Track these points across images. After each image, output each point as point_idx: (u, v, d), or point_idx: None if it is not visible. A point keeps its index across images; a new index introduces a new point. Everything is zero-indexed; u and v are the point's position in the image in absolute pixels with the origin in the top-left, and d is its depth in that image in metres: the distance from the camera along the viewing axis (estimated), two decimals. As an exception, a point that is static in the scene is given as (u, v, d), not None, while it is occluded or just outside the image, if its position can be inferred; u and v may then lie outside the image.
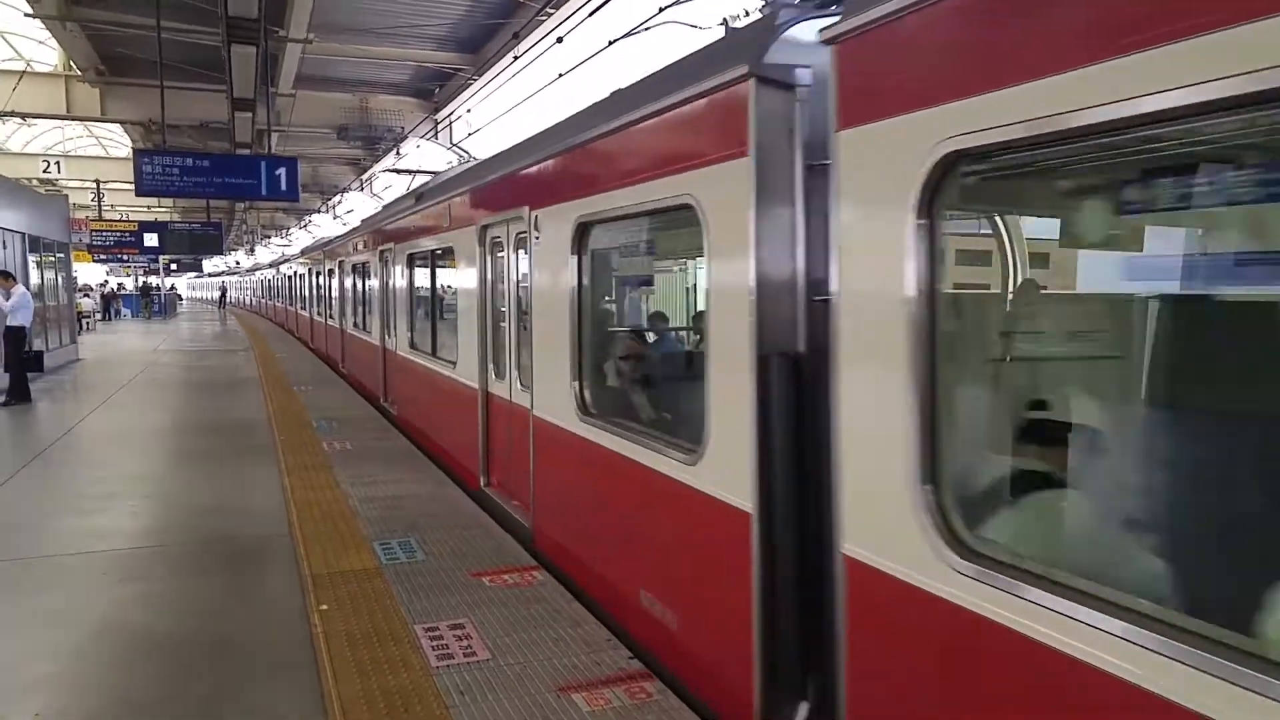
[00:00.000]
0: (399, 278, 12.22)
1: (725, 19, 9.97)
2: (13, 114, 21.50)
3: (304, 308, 27.92)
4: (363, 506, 7.92)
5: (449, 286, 9.88)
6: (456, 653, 4.91)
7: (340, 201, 33.09)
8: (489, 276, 8.17)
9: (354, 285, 17.07)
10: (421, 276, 11.39)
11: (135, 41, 17.43)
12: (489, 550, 6.70)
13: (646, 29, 10.56)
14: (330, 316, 21.07)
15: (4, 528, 7.49)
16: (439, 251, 10.13)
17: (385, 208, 15.43)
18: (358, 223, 21.08)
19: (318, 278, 23.62)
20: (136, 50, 18.00)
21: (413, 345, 11.75)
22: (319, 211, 37.48)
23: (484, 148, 19.54)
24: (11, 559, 6.65)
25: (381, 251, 13.55)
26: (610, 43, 10.80)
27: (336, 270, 19.55)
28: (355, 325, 17.23)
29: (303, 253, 29.88)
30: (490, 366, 8.23)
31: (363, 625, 5.29)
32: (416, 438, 11.01)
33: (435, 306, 10.88)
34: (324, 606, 5.58)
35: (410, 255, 11.55)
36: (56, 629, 5.37)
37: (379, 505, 7.95)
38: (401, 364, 12.36)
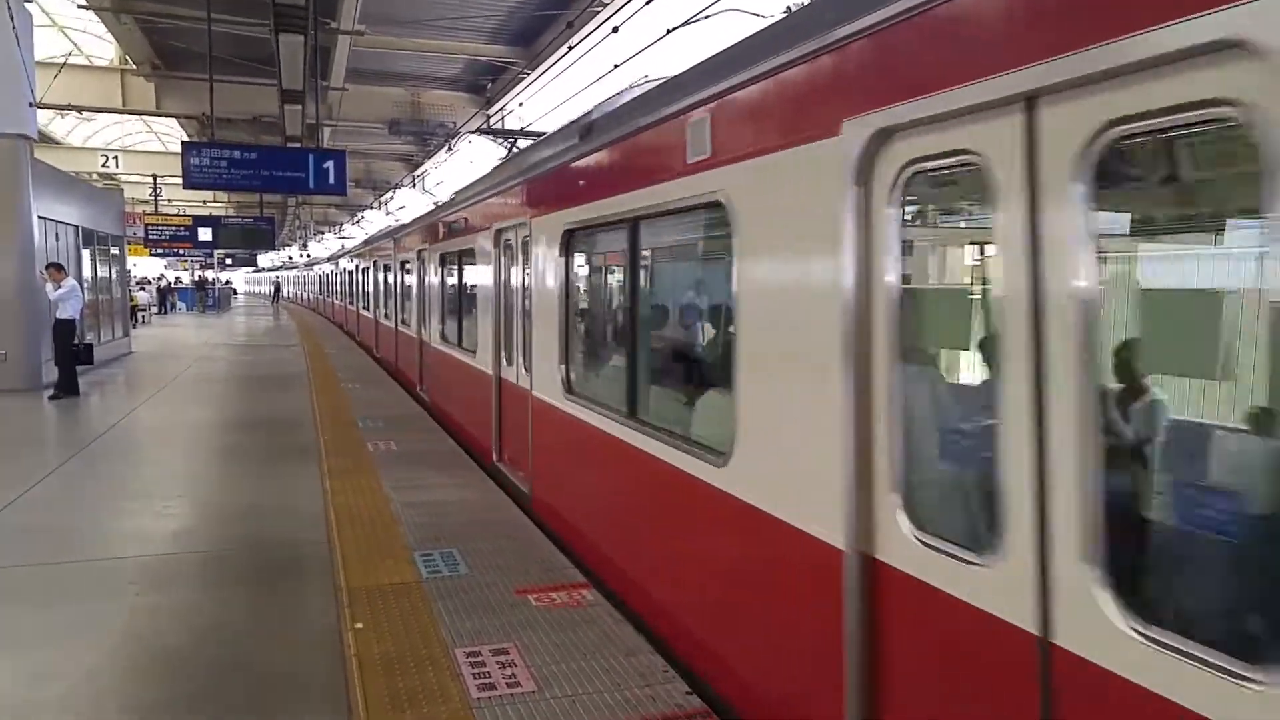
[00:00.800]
0: (432, 275, 13.63)
1: (789, 6, 9.44)
2: (69, 107, 21.61)
3: (352, 303, 29.06)
4: (405, 513, 7.55)
5: (472, 284, 10.92)
6: (499, 682, 4.48)
7: (392, 197, 33.06)
8: (502, 274, 9.18)
9: (394, 281, 18.52)
10: (450, 274, 12.53)
11: (188, 34, 17.34)
12: (535, 565, 6.27)
13: (706, 17, 10.10)
14: (375, 310, 22.58)
15: (32, 530, 7.25)
16: (464, 252, 11.15)
17: (424, 214, 17.61)
18: (399, 223, 23.51)
19: (364, 274, 25.03)
20: (190, 43, 17.93)
21: (443, 337, 12.86)
22: (371, 207, 37.55)
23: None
24: (36, 563, 6.38)
25: (419, 251, 14.88)
26: (669, 31, 10.33)
27: (377, 267, 21.65)
28: (390, 317, 18.93)
29: (348, 251, 29.99)
30: (502, 354, 9.20)
31: (399, 647, 4.88)
32: (444, 420, 12.20)
33: (461, 302, 11.92)
34: (359, 625, 5.19)
35: (442, 255, 12.73)
36: (70, 646, 5.04)
37: (422, 512, 7.57)
38: (434, 354, 13.57)
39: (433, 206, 17.84)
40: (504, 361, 9.12)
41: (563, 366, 6.98)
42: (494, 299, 9.30)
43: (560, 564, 6.33)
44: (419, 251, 14.79)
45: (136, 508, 7.80)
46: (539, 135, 12.47)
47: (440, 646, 4.90)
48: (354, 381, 16.53)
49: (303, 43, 12.42)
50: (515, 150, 13.89)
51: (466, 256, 10.99)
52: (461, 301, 11.78)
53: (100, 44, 25.91)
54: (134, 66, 20.86)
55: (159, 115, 24.30)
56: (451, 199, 13.19)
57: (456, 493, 8.26)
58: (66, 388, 14.23)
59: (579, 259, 7.19)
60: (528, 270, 8.03)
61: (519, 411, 8.32)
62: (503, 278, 9.13)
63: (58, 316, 14.36)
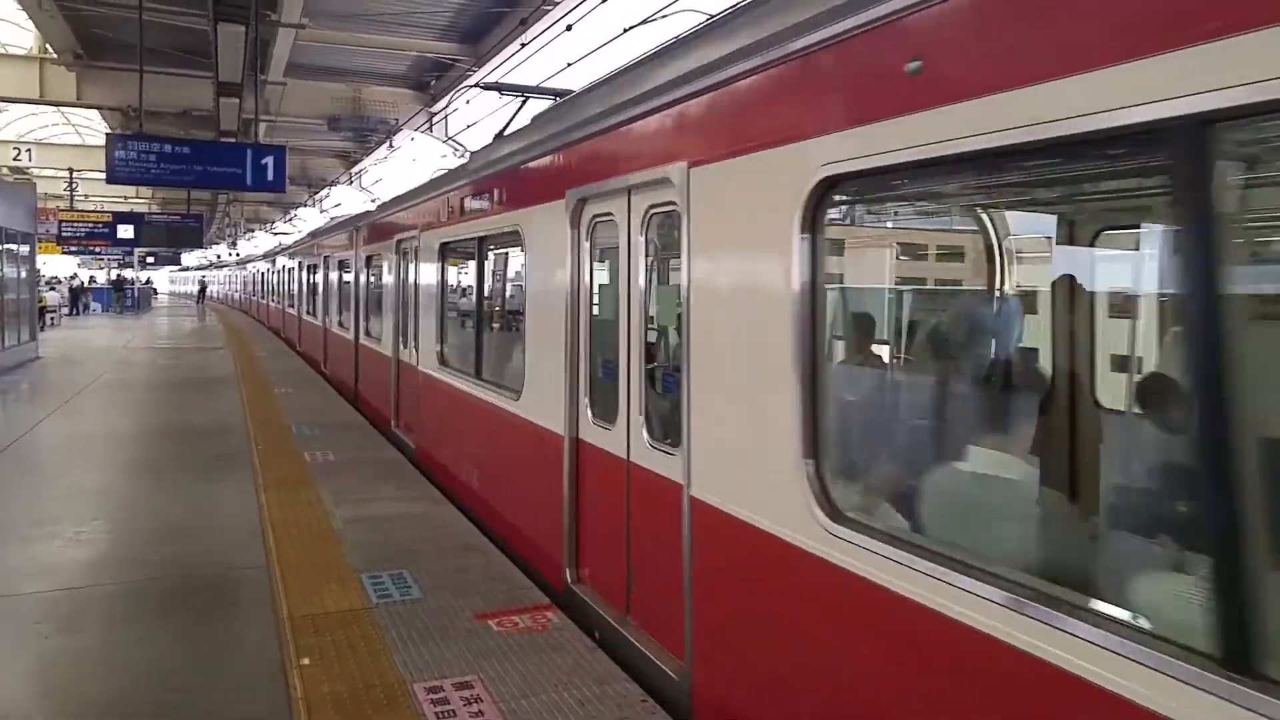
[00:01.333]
0: (353, 275, 15.30)
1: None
2: (-19, 96, 20.48)
3: (277, 302, 30.06)
4: (348, 529, 7.07)
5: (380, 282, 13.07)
6: (465, 722, 4.09)
7: (328, 195, 32.13)
8: (399, 275, 11.32)
9: (318, 280, 20.17)
10: (370, 274, 14.10)
11: (115, 23, 16.49)
12: (495, 586, 5.87)
13: (664, 16, 9.81)
14: (300, 308, 23.91)
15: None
16: (374, 256, 13.17)
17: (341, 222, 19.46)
18: (316, 230, 25.61)
19: (289, 274, 26.03)
20: (116, 32, 17.05)
21: (342, 325, 16.00)
22: (305, 205, 36.50)
23: (481, 142, 18.79)
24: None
25: (337, 255, 16.95)
26: (626, 30, 10.02)
27: (302, 268, 23.02)
28: (313, 313, 20.88)
29: (280, 250, 29.32)
30: (399, 339, 11.35)
31: (352, 685, 4.45)
32: (366, 406, 13.57)
33: (376, 298, 13.42)
34: (305, 661, 4.73)
35: (367, 257, 14.16)
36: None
37: (368, 528, 7.10)
38: (338, 340, 16.41)
39: (361, 211, 17.81)
40: (400, 345, 11.25)
41: (438, 344, 9.44)
42: (395, 294, 11.54)
43: (520, 583, 5.94)
44: (336, 256, 16.68)
45: (42, 534, 7.06)
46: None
47: (397, 681, 4.49)
48: (287, 386, 15.83)
49: (243, 33, 11.80)
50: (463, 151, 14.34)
51: (377, 259, 13.02)
52: (377, 298, 13.38)
53: (18, 32, 24.69)
54: (54, 55, 19.79)
55: (80, 106, 23.14)
56: (369, 212, 15.41)
57: (402, 505, 7.81)
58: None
59: (449, 265, 9.73)
60: (416, 272, 10.40)
61: (410, 383, 10.58)
62: (401, 278, 11.31)
63: None
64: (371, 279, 13.47)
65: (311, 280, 20.83)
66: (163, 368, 19.58)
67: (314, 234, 22.62)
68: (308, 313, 21.69)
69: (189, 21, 14.77)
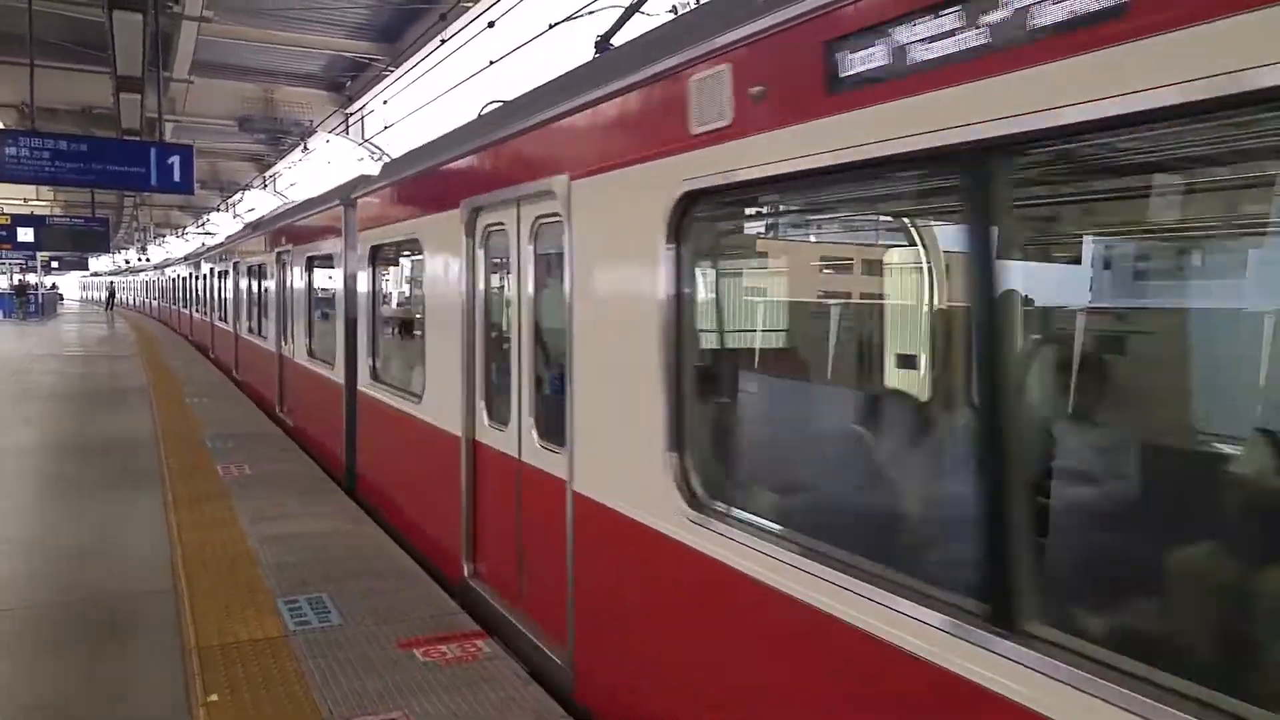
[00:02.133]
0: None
1: (674, 5, 9.06)
2: None
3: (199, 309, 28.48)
4: (265, 549, 6.69)
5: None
6: (389, 766, 3.82)
7: (241, 199, 31.10)
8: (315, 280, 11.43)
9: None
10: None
11: (6, 14, 15.59)
12: (419, 611, 5.57)
13: (591, 13, 9.58)
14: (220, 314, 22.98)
15: None
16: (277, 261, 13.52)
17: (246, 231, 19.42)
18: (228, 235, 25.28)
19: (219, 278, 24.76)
20: (8, 24, 16.12)
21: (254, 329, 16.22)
22: (218, 209, 35.30)
23: (400, 144, 18.36)
24: None
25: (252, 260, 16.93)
26: (551, 26, 9.77)
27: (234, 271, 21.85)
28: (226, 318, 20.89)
29: (199, 253, 28.56)
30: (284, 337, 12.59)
31: (265, 724, 4.13)
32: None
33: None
34: (213, 697, 4.40)
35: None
36: None
37: (286, 548, 6.73)
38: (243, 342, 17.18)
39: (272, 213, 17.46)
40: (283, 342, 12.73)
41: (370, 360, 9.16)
42: (299, 298, 12.00)
43: (448, 609, 5.65)
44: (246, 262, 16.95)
45: (-68, 555, 6.59)
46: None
47: (315, 719, 4.17)
48: (200, 396, 15.17)
49: (141, 23, 11.18)
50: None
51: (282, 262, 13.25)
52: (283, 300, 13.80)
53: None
54: (-58, 48, 18.69)
55: (-28, 102, 21.93)
56: (280, 214, 15.54)
57: (322, 523, 7.44)
58: None
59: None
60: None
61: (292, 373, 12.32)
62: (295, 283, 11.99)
63: None
64: (280, 282, 13.54)
65: (215, 286, 21.60)
66: (69, 376, 18.62)
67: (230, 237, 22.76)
68: (211, 315, 22.71)
69: (84, 12, 14.02)
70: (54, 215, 33.58)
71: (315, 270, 11.06)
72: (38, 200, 41.79)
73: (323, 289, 11.05)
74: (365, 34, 17.50)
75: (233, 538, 6.98)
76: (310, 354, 10.76)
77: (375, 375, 8.51)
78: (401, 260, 9.70)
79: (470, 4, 12.71)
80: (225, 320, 19.41)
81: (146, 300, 53.59)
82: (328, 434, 9.86)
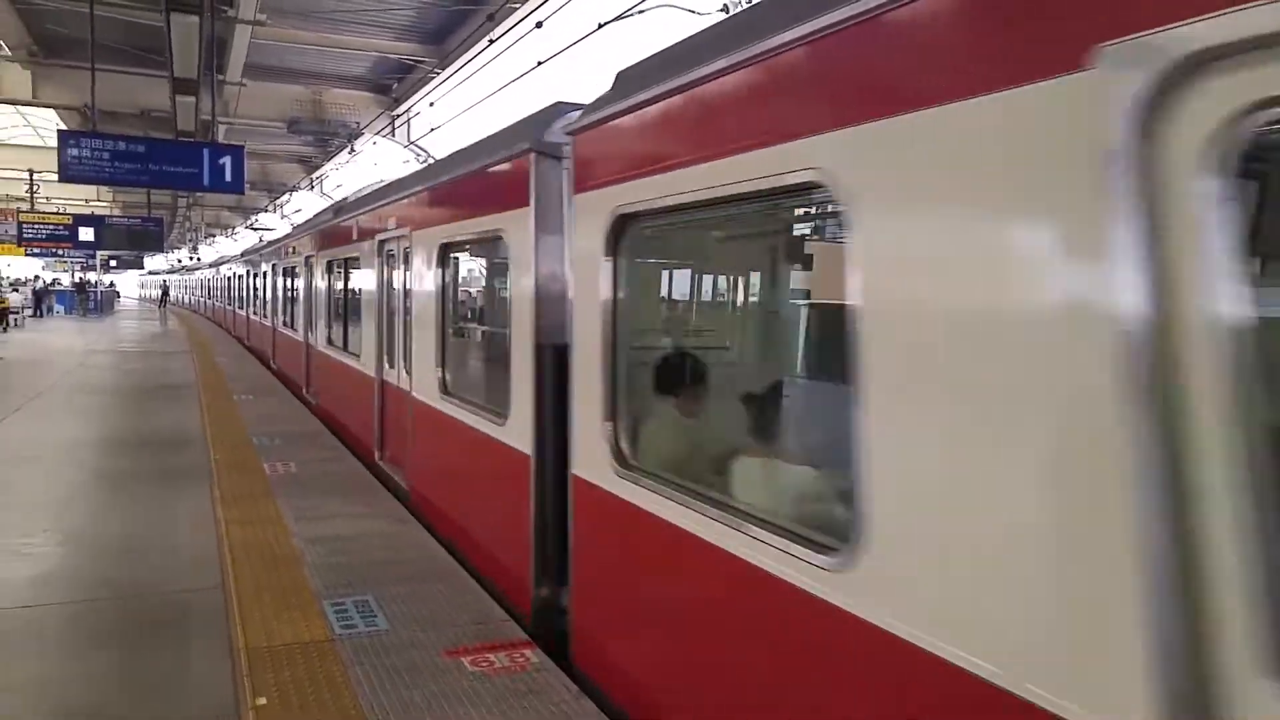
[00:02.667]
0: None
1: (725, 4, 8.95)
2: (-70, 93, 19.74)
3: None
4: (310, 549, 6.68)
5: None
6: (435, 778, 3.76)
7: (289, 200, 31.51)
8: (385, 279, 9.89)
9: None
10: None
11: (70, 19, 15.91)
12: (466, 617, 5.51)
13: (640, 11, 9.51)
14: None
15: None
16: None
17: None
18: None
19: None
20: (72, 28, 16.47)
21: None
22: (266, 210, 35.81)
23: (446, 145, 18.40)
24: None
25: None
26: (600, 25, 9.70)
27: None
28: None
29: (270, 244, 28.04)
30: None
31: (312, 731, 4.09)
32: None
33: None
34: (262, 700, 4.36)
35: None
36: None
37: (330, 548, 6.72)
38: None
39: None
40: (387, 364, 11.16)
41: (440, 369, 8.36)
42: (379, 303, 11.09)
43: (495, 616, 5.58)
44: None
45: (-12, 546, 6.68)
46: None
47: (362, 728, 4.13)
48: (248, 393, 15.34)
49: (197, 25, 11.33)
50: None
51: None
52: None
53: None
54: (9, 52, 19.12)
55: (35, 105, 22.43)
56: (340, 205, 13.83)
57: (366, 523, 7.42)
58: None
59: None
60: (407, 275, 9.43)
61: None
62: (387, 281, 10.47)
63: None
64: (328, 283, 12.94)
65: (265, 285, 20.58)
66: (123, 372, 18.98)
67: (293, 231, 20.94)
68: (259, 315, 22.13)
69: (143, 17, 14.25)
70: (113, 215, 34.33)
71: (454, 263, 7.90)
72: (98, 201, 42.82)
73: (477, 292, 9.00)
74: (412, 35, 17.60)
75: (279, 536, 6.99)
76: (446, 392, 7.57)
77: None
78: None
79: (517, 4, 12.69)
80: (290, 327, 16.94)
81: (201, 300, 52.11)
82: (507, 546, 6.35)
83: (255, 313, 23.89)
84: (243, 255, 29.61)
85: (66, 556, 6.57)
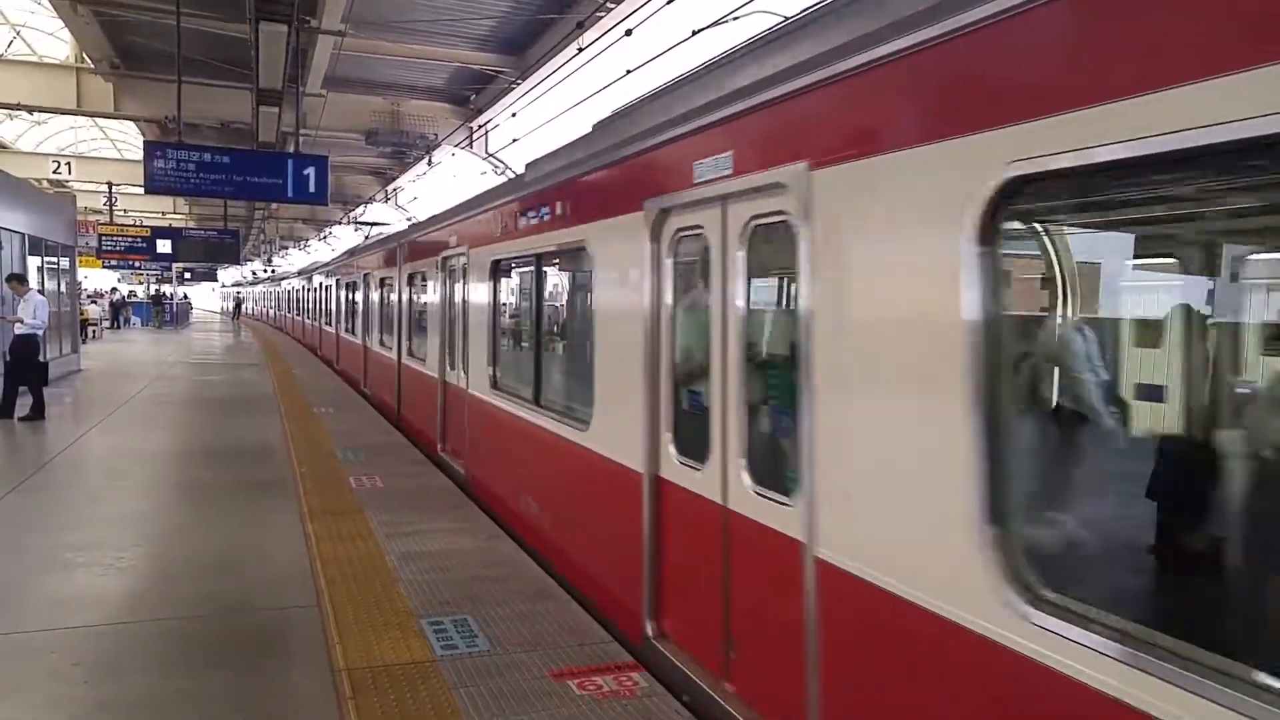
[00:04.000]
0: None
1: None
2: (19, 106, 20.25)
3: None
4: (403, 566, 6.49)
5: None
6: (559, 814, 3.48)
7: (363, 213, 31.84)
8: (449, 292, 10.64)
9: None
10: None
11: (152, 31, 16.17)
12: (569, 638, 5.26)
13: (736, 18, 9.24)
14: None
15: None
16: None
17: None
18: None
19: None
20: (154, 41, 16.74)
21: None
22: (340, 222, 36.26)
23: (525, 156, 18.32)
24: (-39, 635, 5.20)
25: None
26: (694, 33, 9.45)
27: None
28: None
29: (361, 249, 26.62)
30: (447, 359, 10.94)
31: (423, 760, 3.85)
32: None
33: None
34: (368, 724, 4.14)
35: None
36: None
37: (423, 565, 6.52)
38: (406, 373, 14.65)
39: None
40: (447, 366, 11.39)
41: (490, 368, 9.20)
42: (442, 315, 11.43)
43: (598, 637, 5.32)
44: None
45: (83, 560, 6.60)
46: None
47: (475, 758, 3.88)
48: (327, 406, 15.35)
49: (285, 35, 11.36)
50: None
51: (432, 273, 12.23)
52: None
53: (55, 43, 24.62)
54: (91, 65, 19.53)
55: (117, 117, 22.91)
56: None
57: (458, 540, 7.22)
58: (19, 409, 12.95)
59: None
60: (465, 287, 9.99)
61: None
62: (449, 294, 10.82)
63: (17, 333, 13.11)
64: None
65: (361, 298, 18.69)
66: (201, 384, 19.21)
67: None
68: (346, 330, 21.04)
69: (227, 29, 14.40)
70: (189, 228, 35.04)
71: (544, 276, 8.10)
72: (174, 213, 43.83)
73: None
74: (491, 46, 17.58)
75: (370, 552, 6.81)
76: (536, 402, 7.44)
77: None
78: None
79: (603, 14, 12.54)
80: (411, 354, 13.52)
81: (281, 314, 48.66)
82: None
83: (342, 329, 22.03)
84: (328, 266, 27.47)
85: (159, 572, 6.47)
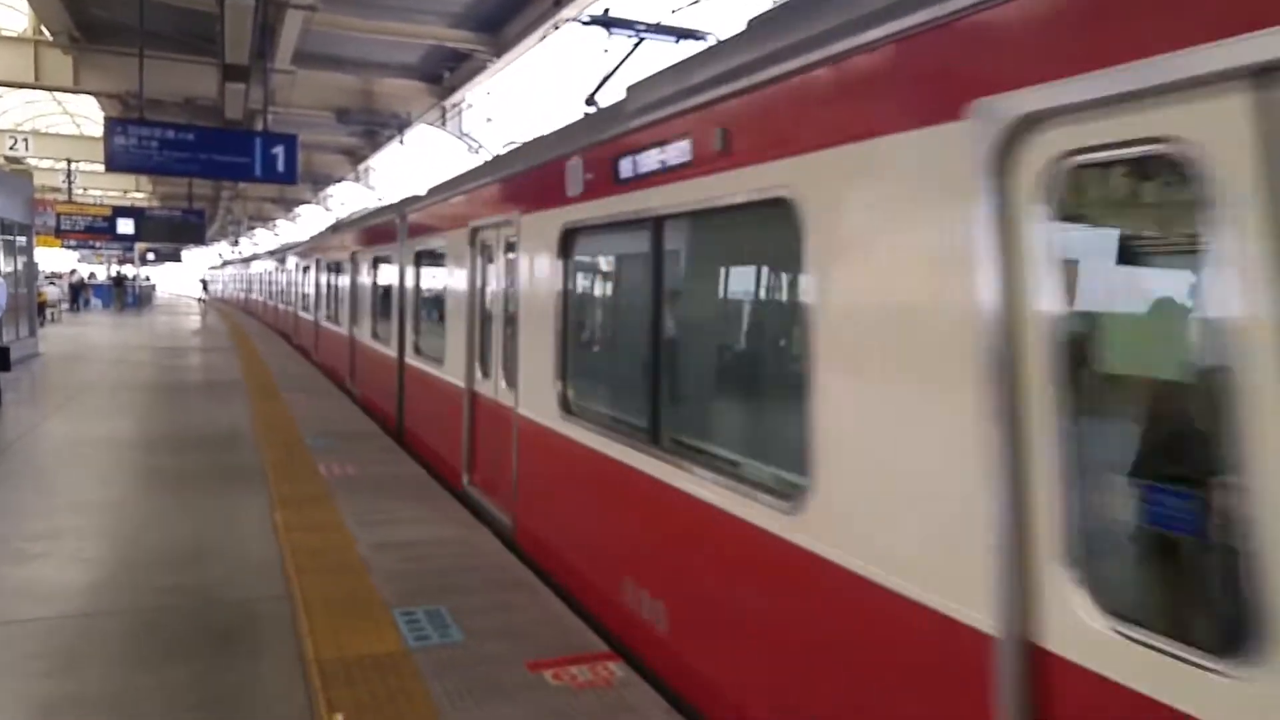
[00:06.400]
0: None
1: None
2: (-27, 80, 19.65)
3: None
4: (375, 556, 6.35)
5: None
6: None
7: (333, 194, 31.37)
8: (480, 274, 8.55)
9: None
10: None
11: (114, 3, 15.71)
12: (545, 629, 5.15)
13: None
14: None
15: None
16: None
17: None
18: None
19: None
20: (116, 13, 16.26)
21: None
22: (309, 203, 35.74)
23: (500, 136, 18.05)
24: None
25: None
26: (673, 12, 9.29)
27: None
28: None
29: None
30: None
31: (397, 757, 3.74)
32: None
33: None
34: (338, 717, 4.03)
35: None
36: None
37: (396, 555, 6.38)
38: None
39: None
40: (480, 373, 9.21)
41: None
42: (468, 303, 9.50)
43: (574, 627, 5.23)
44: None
45: (40, 550, 6.38)
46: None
47: (451, 754, 3.77)
48: (296, 391, 15.09)
49: (252, 9, 11.06)
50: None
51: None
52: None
53: (12, 14, 23.93)
54: (50, 38, 18.95)
55: (77, 92, 22.31)
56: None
57: (431, 529, 7.08)
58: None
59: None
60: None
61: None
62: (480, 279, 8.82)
63: None
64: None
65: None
66: (166, 369, 18.82)
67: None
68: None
69: (193, 2, 14.00)
70: (152, 207, 34.38)
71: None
72: (136, 192, 42.98)
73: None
74: (466, 24, 17.25)
75: (341, 542, 6.66)
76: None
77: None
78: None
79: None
80: (419, 353, 11.03)
81: (256, 299, 44.49)
82: None
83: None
84: (304, 245, 24.95)
85: (122, 562, 6.26)
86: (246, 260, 50.63)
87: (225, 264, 64.96)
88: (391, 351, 11.93)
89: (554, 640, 4.99)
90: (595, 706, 4.21)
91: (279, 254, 31.13)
